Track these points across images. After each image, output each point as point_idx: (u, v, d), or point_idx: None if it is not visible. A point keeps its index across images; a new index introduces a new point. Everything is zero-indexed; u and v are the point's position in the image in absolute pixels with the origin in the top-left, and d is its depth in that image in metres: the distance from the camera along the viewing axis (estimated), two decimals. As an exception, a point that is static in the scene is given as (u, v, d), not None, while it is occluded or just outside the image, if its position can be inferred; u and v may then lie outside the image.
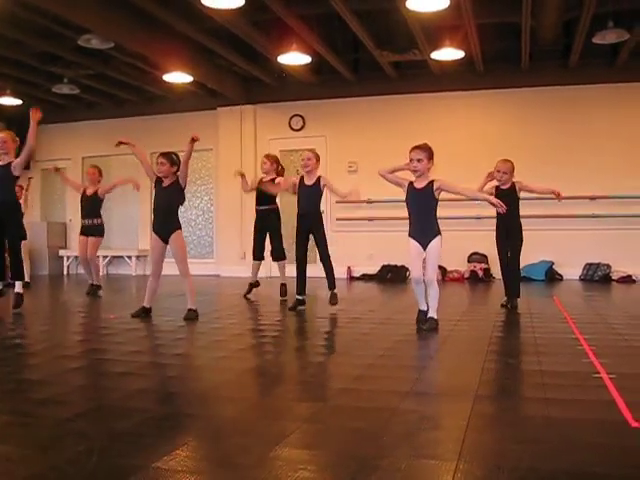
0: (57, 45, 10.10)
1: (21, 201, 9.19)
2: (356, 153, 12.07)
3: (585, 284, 10.48)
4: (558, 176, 11.03)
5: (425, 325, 5.52)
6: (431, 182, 5.50)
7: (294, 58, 9.98)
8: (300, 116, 12.59)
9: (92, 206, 8.85)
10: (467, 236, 11.17)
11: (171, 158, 6.41)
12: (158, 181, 6.45)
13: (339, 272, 11.76)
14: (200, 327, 5.89)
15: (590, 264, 11.13)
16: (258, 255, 8.43)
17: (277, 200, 8.35)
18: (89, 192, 8.88)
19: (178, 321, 6.11)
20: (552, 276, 11.11)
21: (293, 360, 4.56)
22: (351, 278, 11.93)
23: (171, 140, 13.42)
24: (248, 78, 12.27)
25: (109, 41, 9.47)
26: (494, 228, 6.96)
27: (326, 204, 11.68)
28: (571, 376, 3.75)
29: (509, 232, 6.83)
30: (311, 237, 7.24)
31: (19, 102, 12.79)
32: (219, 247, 13.01)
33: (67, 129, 14.51)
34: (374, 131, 11.99)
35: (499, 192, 6.72)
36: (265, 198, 8.21)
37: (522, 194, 6.83)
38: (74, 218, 14.61)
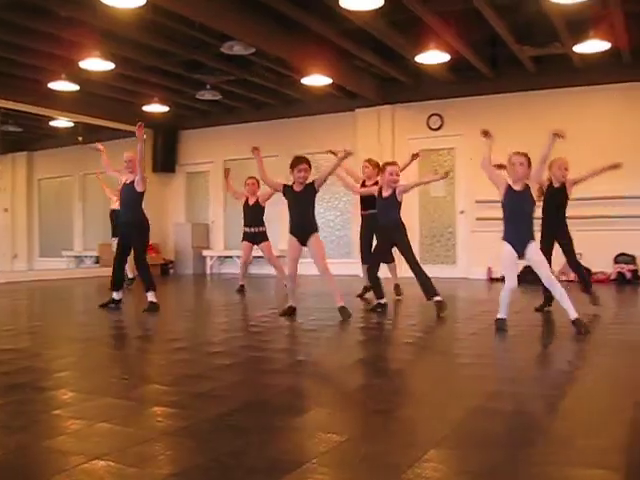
0: (201, 53, 10.49)
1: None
2: (496, 151, 11.71)
3: None
4: None
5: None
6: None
7: (432, 57, 9.87)
8: (438, 115, 12.45)
9: (255, 215, 9.29)
10: (613, 236, 10.68)
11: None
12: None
13: (480, 273, 11.63)
14: (346, 326, 5.93)
15: None
16: (367, 259, 8.34)
17: None
18: (251, 202, 9.31)
19: (325, 320, 6.19)
20: None
21: (438, 364, 4.49)
22: (491, 279, 11.68)
23: (308, 142, 13.67)
24: (385, 78, 12.26)
25: (251, 47, 9.73)
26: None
27: (466, 204, 11.54)
28: None
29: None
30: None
31: (166, 109, 13.41)
32: (358, 247, 13.04)
33: (209, 133, 15.05)
34: (514, 128, 11.64)
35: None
36: (372, 203, 8.14)
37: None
38: (217, 220, 15.15)
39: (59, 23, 8.91)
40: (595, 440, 2.59)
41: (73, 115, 13.95)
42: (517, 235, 5.45)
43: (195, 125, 15.26)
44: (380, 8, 7.92)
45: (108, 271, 14.40)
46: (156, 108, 13.28)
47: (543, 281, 5.44)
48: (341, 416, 3.04)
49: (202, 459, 2.40)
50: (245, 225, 9.39)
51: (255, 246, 9.38)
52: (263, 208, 9.29)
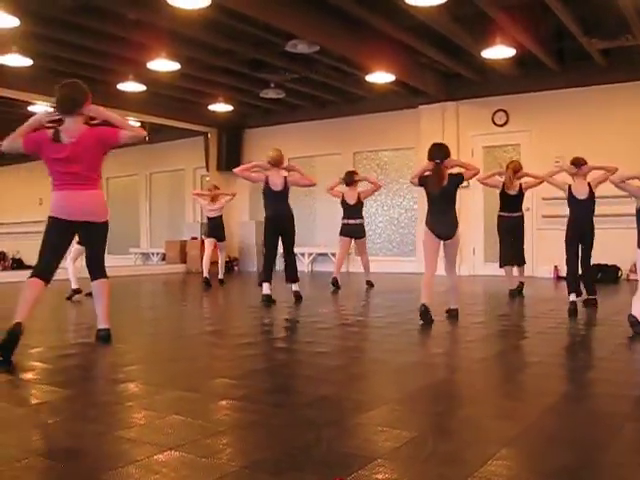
0: (265, 52, 10.57)
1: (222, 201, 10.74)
2: (563, 147, 11.50)
3: None
4: None
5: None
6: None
7: (497, 51, 9.72)
8: (504, 111, 12.25)
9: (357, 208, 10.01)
10: None
11: None
12: None
13: (546, 271, 11.45)
14: (408, 324, 5.90)
15: None
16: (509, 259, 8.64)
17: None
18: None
19: (387, 317, 6.16)
20: None
21: (510, 359, 4.42)
22: (558, 278, 11.44)
23: (372, 140, 13.66)
24: (449, 74, 12.14)
25: (314, 45, 9.76)
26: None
27: (532, 201, 11.30)
28: None
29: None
30: None
31: (230, 108, 13.56)
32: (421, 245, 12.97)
33: (273, 132, 15.13)
34: (582, 124, 11.41)
35: None
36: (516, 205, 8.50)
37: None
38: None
39: (127, 25, 9.10)
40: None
41: (140, 115, 14.20)
42: None
43: (259, 124, 15.39)
44: (444, 3, 7.85)
45: (174, 268, 14.67)
46: (221, 107, 13.46)
47: None
48: (409, 413, 3.02)
49: (272, 452, 2.42)
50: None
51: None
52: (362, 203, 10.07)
